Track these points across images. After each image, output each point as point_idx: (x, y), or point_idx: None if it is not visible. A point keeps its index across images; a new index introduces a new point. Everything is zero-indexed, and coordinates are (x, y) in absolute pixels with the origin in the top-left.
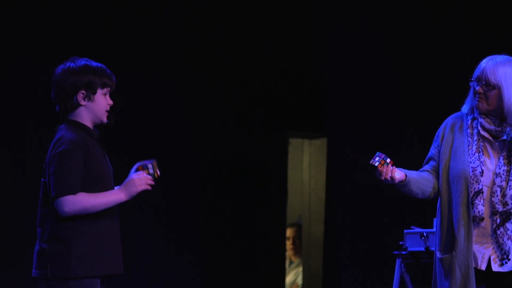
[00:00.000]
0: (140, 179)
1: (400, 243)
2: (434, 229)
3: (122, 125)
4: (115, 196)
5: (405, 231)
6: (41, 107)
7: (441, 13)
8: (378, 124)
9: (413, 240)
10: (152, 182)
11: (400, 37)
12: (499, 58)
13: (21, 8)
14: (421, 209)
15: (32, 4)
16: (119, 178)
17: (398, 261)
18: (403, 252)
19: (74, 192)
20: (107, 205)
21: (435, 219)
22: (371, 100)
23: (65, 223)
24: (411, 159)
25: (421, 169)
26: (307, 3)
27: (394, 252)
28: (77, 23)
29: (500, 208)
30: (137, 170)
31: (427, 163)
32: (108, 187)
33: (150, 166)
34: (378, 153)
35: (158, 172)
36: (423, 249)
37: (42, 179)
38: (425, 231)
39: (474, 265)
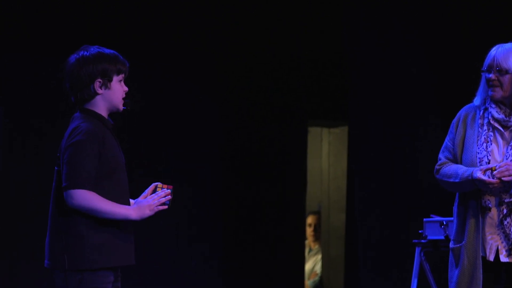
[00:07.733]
0: (151, 205)
1: (420, 231)
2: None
3: (137, 116)
4: (126, 211)
5: (424, 219)
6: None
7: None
8: (398, 114)
9: (433, 228)
10: (165, 207)
11: (423, 26)
12: (508, 45)
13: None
14: (440, 197)
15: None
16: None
17: (417, 250)
18: (422, 241)
19: (86, 187)
20: (114, 216)
21: (454, 207)
22: (393, 89)
23: (79, 215)
24: (434, 149)
25: (440, 162)
26: None
27: (413, 241)
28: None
29: (506, 198)
30: (153, 191)
31: (442, 154)
32: (122, 180)
33: (162, 193)
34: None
35: (168, 198)
36: (442, 237)
37: (55, 168)
38: (444, 219)
39: (483, 255)
